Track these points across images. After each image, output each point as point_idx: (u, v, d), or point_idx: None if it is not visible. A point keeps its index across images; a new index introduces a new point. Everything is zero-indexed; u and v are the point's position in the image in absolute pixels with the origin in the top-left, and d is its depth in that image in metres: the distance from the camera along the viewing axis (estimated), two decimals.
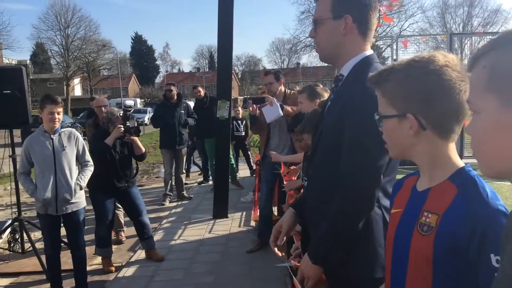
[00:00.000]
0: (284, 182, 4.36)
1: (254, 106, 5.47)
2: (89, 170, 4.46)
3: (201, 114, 8.62)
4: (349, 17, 1.92)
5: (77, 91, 61.76)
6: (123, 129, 5.12)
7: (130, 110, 7.83)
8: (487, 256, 1.17)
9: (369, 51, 2.00)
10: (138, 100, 49.57)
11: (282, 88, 5.72)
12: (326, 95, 4.23)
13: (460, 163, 1.37)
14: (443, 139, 1.36)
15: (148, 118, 27.95)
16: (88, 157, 4.51)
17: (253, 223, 6.57)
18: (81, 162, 4.46)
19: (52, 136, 4.30)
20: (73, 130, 4.53)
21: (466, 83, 1.30)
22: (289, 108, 5.36)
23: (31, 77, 44.77)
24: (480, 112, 0.90)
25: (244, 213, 7.25)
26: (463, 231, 1.21)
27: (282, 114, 5.26)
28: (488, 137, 0.90)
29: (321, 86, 4.69)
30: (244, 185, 9.13)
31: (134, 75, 78.73)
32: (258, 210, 6.25)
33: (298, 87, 5.38)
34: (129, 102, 6.31)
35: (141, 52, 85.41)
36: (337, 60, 2.05)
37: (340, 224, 1.90)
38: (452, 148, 1.39)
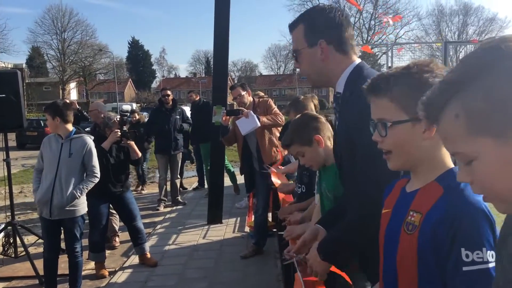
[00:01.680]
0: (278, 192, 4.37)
1: (227, 117, 5.54)
2: (92, 182, 4.40)
3: (197, 119, 8.64)
4: (323, 41, 1.98)
5: (73, 95, 61.57)
6: (120, 133, 5.13)
7: (127, 115, 7.86)
8: (458, 249, 1.20)
9: (356, 61, 2.04)
10: (135, 105, 49.47)
11: (250, 98, 5.81)
12: (312, 105, 4.25)
13: (450, 164, 1.40)
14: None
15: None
16: (94, 167, 4.44)
17: (247, 229, 6.57)
18: (86, 170, 4.43)
19: (62, 141, 4.31)
20: (87, 137, 4.46)
21: None
22: (265, 119, 5.42)
23: (27, 81, 44.71)
24: (477, 158, 0.85)
25: (239, 218, 7.24)
26: (442, 230, 1.24)
27: (259, 125, 5.32)
28: (498, 177, 0.84)
29: (311, 94, 4.72)
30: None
31: (130, 80, 78.69)
32: (253, 216, 6.26)
33: (298, 92, 5.42)
34: (126, 106, 6.38)
35: (138, 57, 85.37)
36: (328, 82, 2.11)
37: (354, 230, 1.98)
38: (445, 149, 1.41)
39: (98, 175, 4.47)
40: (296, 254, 2.44)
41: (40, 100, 41.82)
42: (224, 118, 5.62)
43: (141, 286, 4.78)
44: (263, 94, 7.96)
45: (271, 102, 5.94)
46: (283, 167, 5.10)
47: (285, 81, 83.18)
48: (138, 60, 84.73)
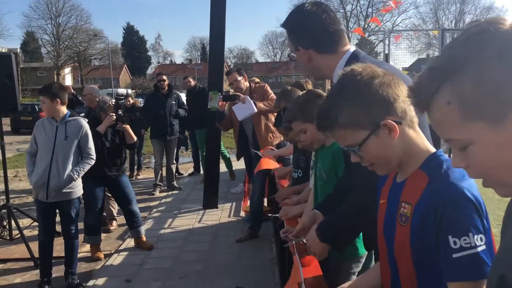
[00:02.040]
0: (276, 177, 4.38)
1: (223, 102, 5.53)
2: (88, 164, 4.40)
3: (192, 105, 8.62)
4: (300, 48, 2.05)
5: (68, 80, 61.13)
6: (115, 117, 5.12)
7: (122, 99, 7.81)
8: (446, 237, 1.21)
9: (350, 49, 2.06)
10: (130, 91, 49.22)
11: (247, 83, 5.80)
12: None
13: (431, 149, 1.40)
14: (410, 128, 1.39)
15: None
16: (90, 149, 4.44)
17: (242, 214, 6.60)
18: (82, 153, 4.42)
19: (57, 123, 4.29)
20: (82, 120, 4.46)
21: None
22: (261, 104, 5.42)
23: (21, 66, 44.34)
24: (473, 143, 0.84)
25: (234, 203, 7.26)
26: (429, 220, 1.25)
27: (256, 111, 5.32)
28: (494, 160, 0.83)
29: (305, 79, 4.71)
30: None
31: (125, 65, 78.25)
32: (248, 201, 6.28)
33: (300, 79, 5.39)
34: (122, 90, 6.33)
35: (133, 42, 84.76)
36: (325, 76, 2.14)
37: (354, 213, 2.03)
38: (421, 135, 1.42)
39: (94, 157, 4.47)
40: (295, 238, 2.46)
41: (35, 85, 41.46)
42: (220, 104, 5.61)
43: (136, 269, 4.80)
44: (258, 80, 7.94)
45: (268, 87, 5.93)
46: (276, 150, 5.12)
47: (281, 68, 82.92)
48: (133, 46, 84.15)
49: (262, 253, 5.18)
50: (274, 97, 5.62)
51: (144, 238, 5.42)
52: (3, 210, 5.57)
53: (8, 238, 5.50)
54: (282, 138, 5.48)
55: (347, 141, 1.40)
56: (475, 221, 1.21)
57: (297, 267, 2.19)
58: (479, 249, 1.19)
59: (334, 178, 2.52)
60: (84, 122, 4.45)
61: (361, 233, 2.40)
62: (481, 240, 1.20)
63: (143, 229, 5.51)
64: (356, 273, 2.50)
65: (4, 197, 5.68)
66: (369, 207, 1.85)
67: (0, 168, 6.07)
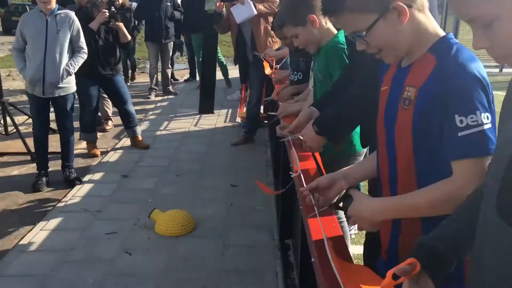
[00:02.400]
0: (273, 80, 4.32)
1: (222, 3, 5.29)
2: (81, 57, 4.30)
3: (188, 7, 8.26)
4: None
5: None
6: (108, 14, 4.92)
7: None
8: (452, 116, 1.19)
9: None
10: None
11: None
12: None
13: (440, 32, 1.35)
14: (420, 11, 1.32)
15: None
16: (82, 43, 4.31)
17: (238, 120, 6.60)
18: (74, 47, 4.28)
19: (47, 17, 4.11)
20: (71, 13, 4.28)
21: None
22: (261, 6, 5.20)
23: None
24: (498, 18, 0.79)
25: (230, 110, 7.24)
26: (436, 101, 1.23)
27: (255, 13, 5.11)
28: None
29: None
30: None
31: None
32: (245, 108, 6.26)
33: None
34: None
35: None
36: None
37: (352, 105, 2.05)
38: (431, 19, 1.35)
39: (86, 51, 4.36)
40: (290, 134, 2.45)
41: None
42: (218, 4, 5.37)
43: (133, 165, 4.87)
44: None
45: None
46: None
47: None
48: None
49: (257, 155, 5.25)
50: None
51: (140, 138, 5.45)
52: None
53: (4, 133, 5.49)
54: (279, 44, 5.33)
55: (354, 26, 1.34)
56: (482, 99, 1.19)
57: (294, 159, 2.20)
58: (486, 127, 1.18)
59: (329, 79, 2.48)
60: (74, 15, 4.29)
61: (359, 129, 2.40)
62: (488, 118, 1.19)
63: (139, 129, 5.52)
64: None
65: None
66: (368, 99, 1.82)
67: None
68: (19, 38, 4.21)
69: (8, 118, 5.40)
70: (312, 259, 1.44)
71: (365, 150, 2.58)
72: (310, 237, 1.52)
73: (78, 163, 4.82)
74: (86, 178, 4.53)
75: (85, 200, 4.08)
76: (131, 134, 5.42)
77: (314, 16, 2.39)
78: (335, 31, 2.50)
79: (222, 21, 5.58)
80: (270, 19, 5.41)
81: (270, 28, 5.42)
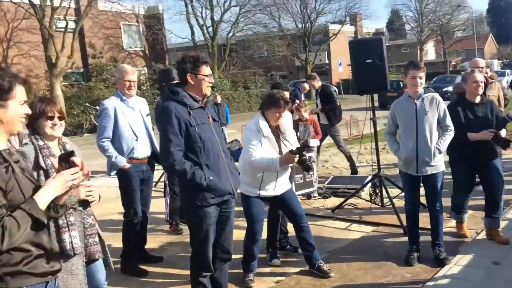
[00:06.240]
0: None
1: None
2: (449, 135, 4.50)
3: None
4: None
5: (430, 55, 61.41)
6: None
7: None
8: None
9: None
10: (496, 62, 45.38)
11: None
12: None
13: None
14: None
15: (507, 81, 25.34)
16: (449, 121, 4.52)
17: None
18: (442, 126, 4.52)
19: (415, 100, 4.51)
20: (436, 95, 4.58)
21: None
22: None
23: (386, 44, 46.93)
24: None
25: None
26: None
27: None
28: None
29: None
30: None
31: (491, 34, 72.46)
32: None
33: None
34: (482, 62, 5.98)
35: (500, 8, 77.39)
36: None
37: None
38: None
39: (452, 129, 4.51)
40: None
41: (399, 62, 43.29)
42: None
43: (505, 253, 4.52)
44: None
45: None
46: None
47: None
48: (500, 12, 76.78)
49: None
50: None
51: (499, 231, 4.95)
52: (375, 179, 6.19)
53: (380, 204, 6.09)
54: None
55: None
56: None
57: None
58: None
59: None
60: (437, 96, 4.54)
61: None
62: None
63: (500, 221, 5.00)
64: None
65: (376, 167, 6.30)
66: None
67: (371, 140, 6.73)
68: (390, 122, 4.72)
69: (383, 191, 5.98)
70: None
71: None
72: None
73: (446, 240, 4.82)
74: (455, 258, 4.50)
75: (452, 282, 4.06)
76: (489, 224, 4.99)
77: None
78: None
79: None
80: None
81: None
